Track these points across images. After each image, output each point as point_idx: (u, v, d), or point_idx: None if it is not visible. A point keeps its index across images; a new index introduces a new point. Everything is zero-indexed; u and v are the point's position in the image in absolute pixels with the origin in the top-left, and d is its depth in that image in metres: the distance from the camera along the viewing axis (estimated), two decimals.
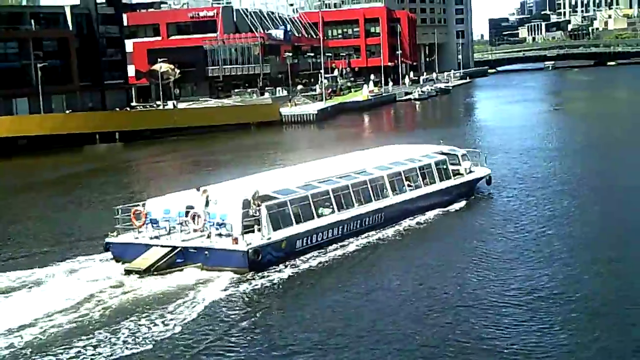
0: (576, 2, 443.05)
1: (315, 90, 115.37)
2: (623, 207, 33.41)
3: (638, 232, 28.88)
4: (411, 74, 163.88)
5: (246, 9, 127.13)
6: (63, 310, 22.03)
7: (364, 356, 17.95)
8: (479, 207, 34.89)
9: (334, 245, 27.85)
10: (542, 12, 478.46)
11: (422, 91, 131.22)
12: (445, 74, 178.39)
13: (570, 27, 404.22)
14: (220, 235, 25.86)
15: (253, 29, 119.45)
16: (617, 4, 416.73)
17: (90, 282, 24.66)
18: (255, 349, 18.85)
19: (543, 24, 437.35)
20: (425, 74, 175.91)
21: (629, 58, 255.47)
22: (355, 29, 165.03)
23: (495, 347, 18.11)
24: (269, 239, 25.90)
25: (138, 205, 28.33)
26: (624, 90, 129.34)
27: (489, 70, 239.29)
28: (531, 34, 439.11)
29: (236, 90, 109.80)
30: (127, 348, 19.25)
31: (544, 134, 65.42)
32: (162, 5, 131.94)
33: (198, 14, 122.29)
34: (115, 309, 22.14)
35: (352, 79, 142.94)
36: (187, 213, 26.87)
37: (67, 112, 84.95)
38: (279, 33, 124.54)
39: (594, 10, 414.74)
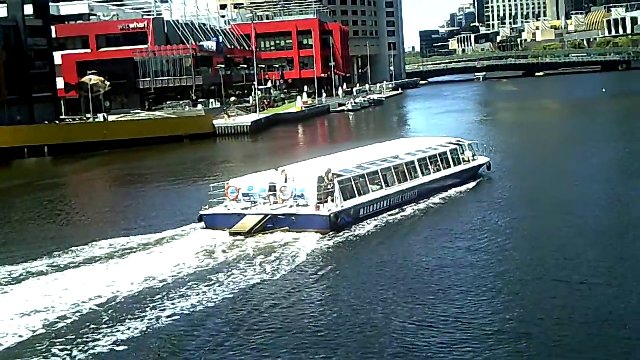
0: (505, 14, 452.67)
1: (249, 102, 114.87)
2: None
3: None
4: (344, 85, 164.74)
5: (177, 21, 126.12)
6: (192, 261, 27.83)
7: (414, 285, 24.43)
8: (485, 187, 42.54)
9: (385, 215, 34.51)
10: (472, 25, 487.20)
11: (355, 102, 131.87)
12: (378, 85, 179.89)
13: (499, 38, 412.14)
14: (298, 205, 32.33)
15: (185, 41, 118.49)
16: (545, 15, 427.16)
17: (203, 243, 30.55)
18: (343, 285, 24.87)
19: (473, 36, 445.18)
20: (358, 85, 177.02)
21: (556, 69, 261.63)
22: (288, 41, 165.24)
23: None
24: (343, 207, 32.57)
25: (228, 183, 34.64)
26: (549, 100, 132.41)
27: (421, 82, 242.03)
28: (461, 46, 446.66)
29: (168, 103, 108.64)
30: (242, 288, 24.55)
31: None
32: (91, 17, 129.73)
33: (128, 26, 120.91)
34: (227, 262, 27.88)
35: (285, 90, 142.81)
36: (270, 189, 33.04)
37: None
38: (211, 45, 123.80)
39: (522, 22, 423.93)
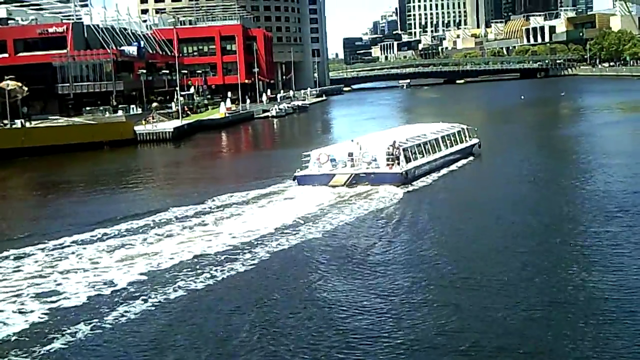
0: (426, 22, 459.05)
1: (171, 107, 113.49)
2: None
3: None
4: (268, 91, 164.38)
5: (97, 25, 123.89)
6: (314, 203, 38.29)
7: (465, 211, 36.50)
8: (480, 159, 55.50)
9: (428, 175, 46.18)
10: (394, 32, 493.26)
11: (279, 109, 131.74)
12: (302, 91, 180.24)
13: (421, 46, 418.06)
14: (373, 167, 43.52)
15: (105, 46, 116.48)
16: (465, 24, 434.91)
17: (309, 193, 41.14)
18: (416, 217, 35.27)
19: (395, 43, 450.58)
20: (282, 91, 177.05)
21: (476, 76, 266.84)
22: (211, 47, 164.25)
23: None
24: (408, 167, 44.10)
25: (312, 152, 45.72)
26: (469, 107, 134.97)
27: (345, 89, 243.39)
28: (384, 53, 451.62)
29: (87, 108, 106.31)
30: (340, 222, 34.15)
31: None
32: (9, 21, 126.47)
33: (47, 30, 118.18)
34: (331, 204, 38.29)
35: (209, 96, 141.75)
36: (349, 155, 44.33)
37: None
38: (132, 49, 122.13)
39: (444, 30, 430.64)
